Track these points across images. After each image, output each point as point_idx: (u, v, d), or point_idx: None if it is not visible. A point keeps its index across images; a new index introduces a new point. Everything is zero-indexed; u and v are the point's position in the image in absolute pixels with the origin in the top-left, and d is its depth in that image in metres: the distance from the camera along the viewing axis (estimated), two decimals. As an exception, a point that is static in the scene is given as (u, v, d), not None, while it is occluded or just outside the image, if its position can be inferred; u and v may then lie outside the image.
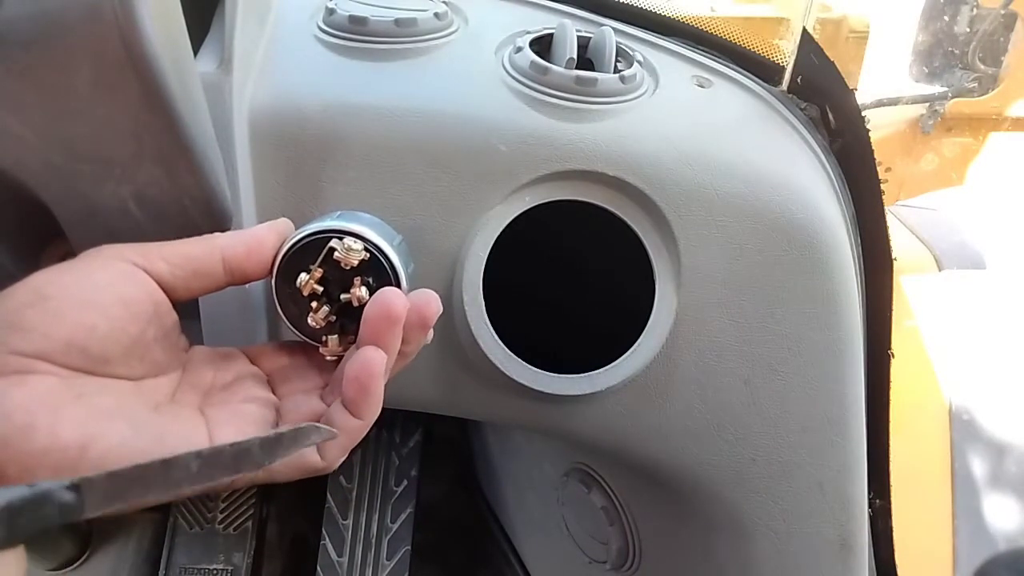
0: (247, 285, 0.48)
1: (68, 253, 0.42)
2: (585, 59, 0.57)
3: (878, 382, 0.63)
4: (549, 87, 0.53)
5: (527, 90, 0.53)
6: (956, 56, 1.68)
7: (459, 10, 0.61)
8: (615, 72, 0.55)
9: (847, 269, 0.56)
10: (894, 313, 0.61)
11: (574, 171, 0.51)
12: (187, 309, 0.40)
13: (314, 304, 0.41)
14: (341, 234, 0.40)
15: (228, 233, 0.41)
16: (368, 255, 0.40)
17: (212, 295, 0.46)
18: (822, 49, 0.59)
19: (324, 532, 0.92)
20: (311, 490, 0.99)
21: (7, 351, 0.32)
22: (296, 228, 0.42)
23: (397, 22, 0.55)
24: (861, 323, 0.59)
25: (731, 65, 0.63)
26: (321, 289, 0.40)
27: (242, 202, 0.49)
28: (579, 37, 0.56)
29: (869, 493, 0.63)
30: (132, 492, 0.29)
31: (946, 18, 1.66)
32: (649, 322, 0.52)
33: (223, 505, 0.97)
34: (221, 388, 0.40)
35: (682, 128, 0.54)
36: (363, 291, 0.40)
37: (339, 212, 0.44)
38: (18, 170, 0.37)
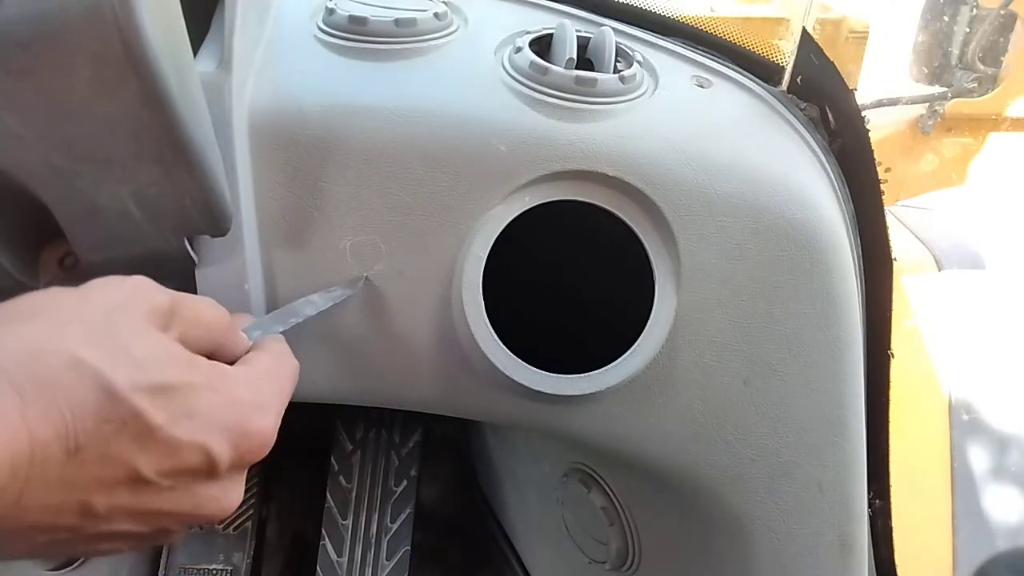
0: (246, 286, 0.48)
1: (68, 253, 0.42)
2: (585, 59, 0.57)
3: (878, 382, 0.63)
4: (549, 87, 0.53)
5: (527, 90, 0.53)
6: (956, 56, 1.68)
7: (459, 10, 0.61)
8: (615, 72, 0.55)
9: (847, 269, 0.56)
10: (894, 313, 0.61)
11: (574, 171, 0.51)
12: None
13: None
14: None
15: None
16: None
17: (211, 293, 0.46)
18: (822, 49, 0.59)
19: (324, 532, 0.92)
20: (311, 490, 0.99)
21: None
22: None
23: (397, 22, 0.55)
24: (861, 323, 0.59)
25: (731, 65, 0.63)
26: None
27: (242, 202, 0.49)
28: (579, 37, 0.56)
29: (869, 493, 0.63)
30: None
31: (946, 18, 1.66)
32: (649, 322, 0.52)
33: (223, 505, 0.96)
34: None
35: (682, 128, 0.54)
36: None
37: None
38: (18, 170, 0.37)
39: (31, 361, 0.30)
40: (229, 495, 0.36)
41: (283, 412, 0.39)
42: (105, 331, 0.32)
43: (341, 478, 0.94)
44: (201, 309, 0.38)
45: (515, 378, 0.51)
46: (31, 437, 0.29)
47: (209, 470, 0.34)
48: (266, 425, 0.37)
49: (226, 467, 0.35)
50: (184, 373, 0.34)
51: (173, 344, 0.35)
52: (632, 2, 0.65)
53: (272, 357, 0.41)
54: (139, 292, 0.36)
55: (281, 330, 0.46)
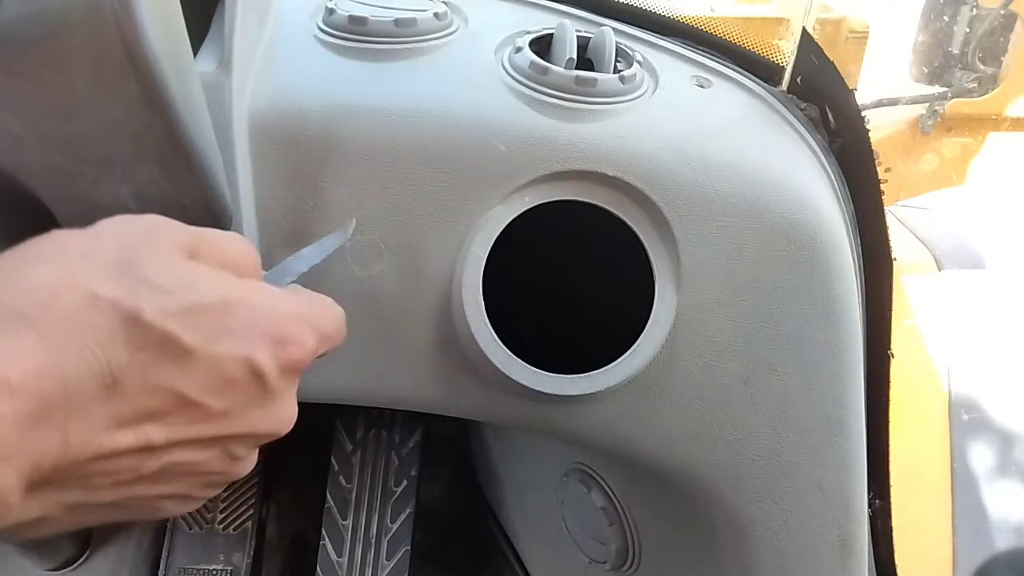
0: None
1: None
2: (585, 59, 0.57)
3: (878, 382, 0.63)
4: (549, 87, 0.53)
5: (527, 90, 0.53)
6: (956, 56, 1.68)
7: (459, 10, 0.61)
8: (615, 72, 0.55)
9: (847, 269, 0.56)
10: (894, 313, 0.61)
11: (574, 171, 0.51)
12: None
13: None
14: None
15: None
16: None
17: None
18: (822, 49, 0.59)
19: (324, 532, 0.92)
20: (311, 490, 0.99)
21: None
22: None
23: (397, 22, 0.55)
24: (861, 323, 0.59)
25: (731, 65, 0.63)
26: None
27: (242, 202, 0.49)
28: (579, 37, 0.56)
29: (869, 493, 0.63)
30: None
31: (946, 18, 1.66)
32: (649, 322, 0.52)
33: (223, 505, 0.97)
34: None
35: (682, 128, 0.54)
36: None
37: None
38: (18, 170, 0.37)
39: (48, 301, 0.29)
40: (284, 408, 0.35)
41: (325, 348, 0.38)
42: (120, 266, 0.31)
43: (341, 478, 0.94)
44: (225, 243, 0.36)
45: (515, 378, 0.51)
46: (62, 373, 0.28)
47: (258, 383, 0.33)
48: (304, 334, 0.35)
49: (275, 378, 0.34)
50: (216, 291, 0.33)
51: (200, 267, 0.34)
52: (632, 2, 0.65)
53: (307, 294, 0.39)
54: (155, 230, 0.34)
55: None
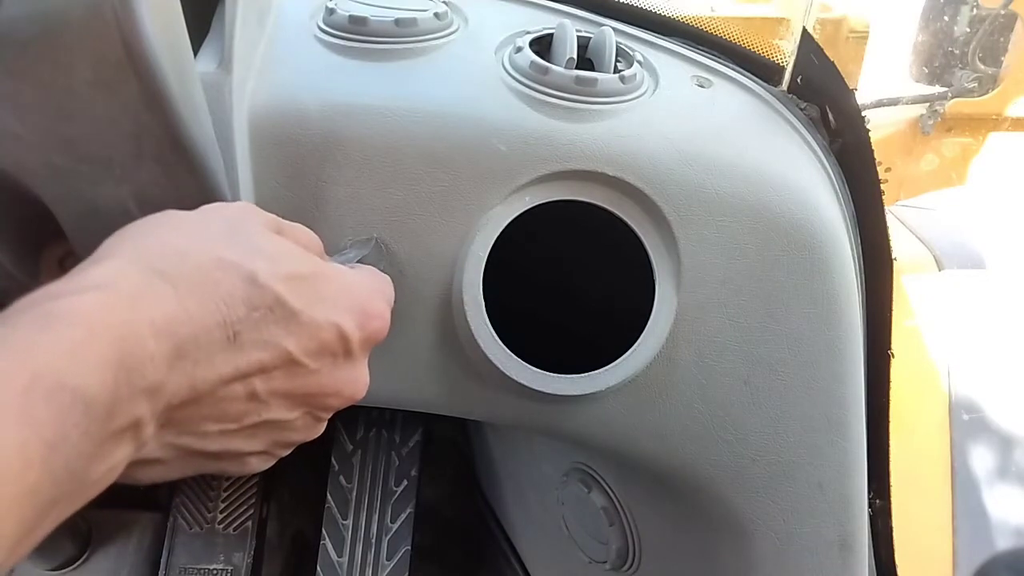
0: None
1: (68, 253, 0.42)
2: (585, 59, 0.57)
3: (878, 382, 0.63)
4: (549, 87, 0.53)
5: (527, 90, 0.53)
6: (956, 56, 1.68)
7: (459, 10, 0.61)
8: (615, 72, 0.55)
9: (847, 269, 0.56)
10: (894, 313, 0.61)
11: (574, 171, 0.51)
12: None
13: None
14: None
15: None
16: None
17: None
18: (822, 49, 0.59)
19: (324, 532, 0.92)
20: (311, 490, 0.99)
21: None
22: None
23: (397, 22, 0.55)
24: (861, 323, 0.59)
25: (731, 65, 0.63)
26: None
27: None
28: (579, 37, 0.56)
29: (869, 493, 0.63)
30: None
31: (946, 18, 1.66)
32: (649, 322, 0.52)
33: (223, 505, 0.97)
34: None
35: (682, 128, 0.54)
36: None
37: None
38: (18, 170, 0.37)
39: (179, 261, 0.32)
40: (362, 375, 0.40)
41: (390, 312, 0.42)
42: (234, 235, 0.35)
43: (341, 478, 0.94)
44: (297, 229, 0.41)
45: (515, 378, 0.51)
46: (193, 322, 0.31)
47: (345, 348, 0.37)
48: (382, 308, 0.40)
49: (357, 345, 0.38)
50: (309, 264, 0.37)
51: (288, 242, 0.38)
52: (632, 2, 0.65)
53: (371, 270, 0.44)
54: (248, 209, 0.39)
55: None
